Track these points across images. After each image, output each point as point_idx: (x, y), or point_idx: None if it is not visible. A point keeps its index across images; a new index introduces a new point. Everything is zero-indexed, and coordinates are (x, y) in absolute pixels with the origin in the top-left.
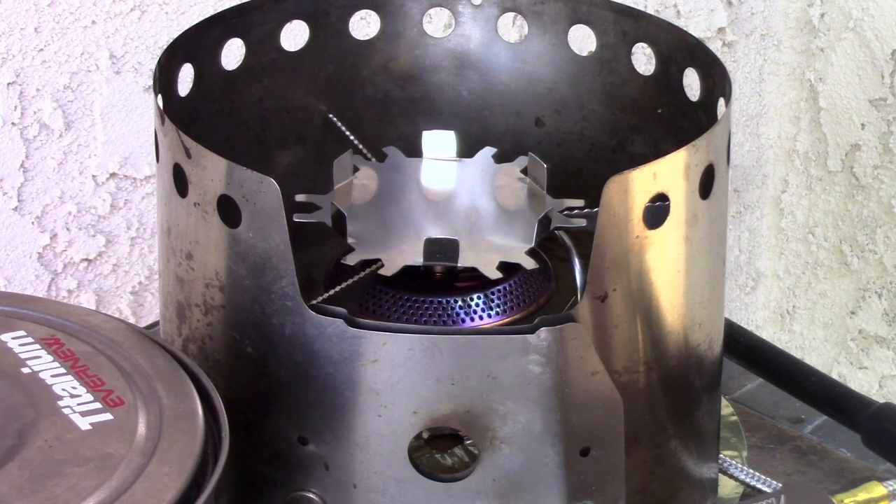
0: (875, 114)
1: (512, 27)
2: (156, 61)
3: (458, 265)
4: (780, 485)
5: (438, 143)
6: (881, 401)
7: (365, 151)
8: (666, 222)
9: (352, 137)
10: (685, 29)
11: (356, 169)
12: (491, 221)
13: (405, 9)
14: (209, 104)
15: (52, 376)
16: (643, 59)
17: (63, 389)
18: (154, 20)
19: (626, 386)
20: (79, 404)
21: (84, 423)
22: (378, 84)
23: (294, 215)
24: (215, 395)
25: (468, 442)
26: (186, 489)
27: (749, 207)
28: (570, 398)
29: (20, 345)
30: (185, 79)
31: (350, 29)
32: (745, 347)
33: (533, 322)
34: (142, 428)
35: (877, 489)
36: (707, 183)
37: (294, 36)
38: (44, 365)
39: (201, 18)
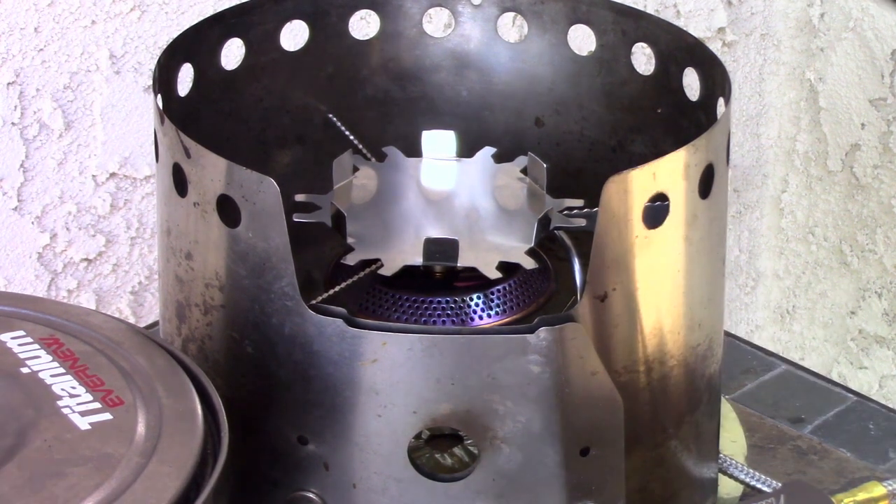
0: (875, 114)
1: (512, 27)
2: (156, 61)
3: (458, 265)
4: (780, 485)
5: (438, 143)
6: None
7: (365, 151)
8: (666, 222)
9: (352, 137)
10: (685, 29)
11: (356, 169)
12: (491, 221)
13: (405, 9)
14: (209, 104)
15: (52, 376)
16: (643, 59)
17: (62, 389)
18: (154, 20)
19: (626, 386)
20: (78, 404)
21: (83, 423)
22: (378, 84)
23: (294, 215)
24: (215, 395)
25: (468, 442)
26: (186, 489)
27: (749, 207)
28: (570, 398)
29: (20, 345)
30: (185, 79)
31: (350, 29)
32: None
33: (533, 322)
34: (141, 428)
35: (877, 489)
36: (707, 183)
37: (294, 36)
38: (43, 365)
39: (201, 18)
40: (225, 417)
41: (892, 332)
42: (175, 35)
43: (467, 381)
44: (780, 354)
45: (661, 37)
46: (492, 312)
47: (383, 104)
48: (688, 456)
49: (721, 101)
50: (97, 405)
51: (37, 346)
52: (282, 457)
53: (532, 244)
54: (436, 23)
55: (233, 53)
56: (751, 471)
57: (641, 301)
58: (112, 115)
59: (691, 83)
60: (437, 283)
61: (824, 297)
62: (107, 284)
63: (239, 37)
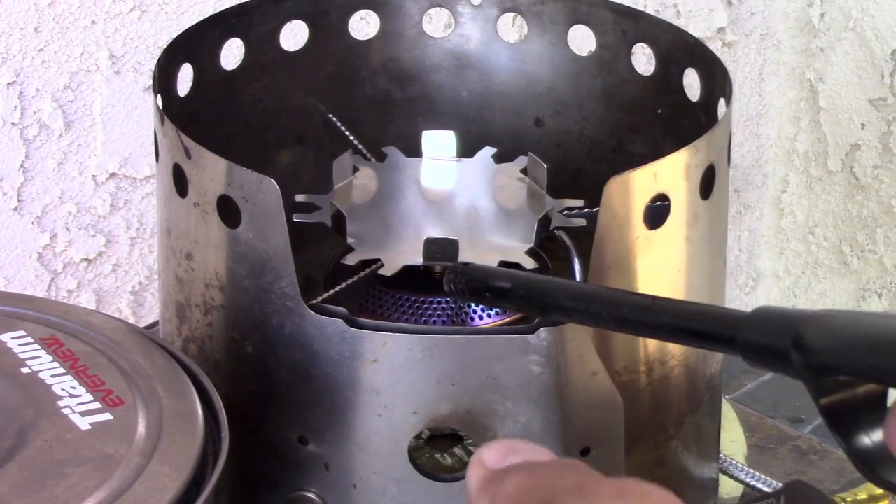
0: (875, 114)
1: (512, 27)
2: (156, 61)
3: None
4: (780, 485)
5: (438, 143)
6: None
7: (365, 151)
8: (666, 222)
9: (352, 137)
10: (685, 29)
11: (356, 169)
12: (491, 221)
13: (405, 9)
14: (209, 104)
15: (52, 376)
16: (643, 60)
17: (63, 389)
18: (154, 20)
19: (626, 386)
20: (78, 404)
21: (84, 424)
22: (378, 84)
23: (294, 215)
24: (215, 395)
25: (468, 442)
26: (186, 489)
27: (749, 207)
28: (570, 398)
29: (20, 345)
30: (185, 79)
31: (350, 29)
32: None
33: (533, 322)
34: (142, 428)
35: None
36: (707, 183)
37: (294, 36)
38: (43, 365)
39: (201, 18)
40: (225, 417)
41: None
42: (175, 35)
43: (467, 382)
44: None
45: (661, 37)
46: (492, 312)
47: (383, 104)
48: (688, 456)
49: (721, 101)
50: (97, 405)
51: (37, 346)
52: (282, 457)
53: (532, 244)
54: (436, 23)
55: (233, 53)
56: (751, 471)
57: None
58: (112, 115)
59: (691, 83)
60: (438, 283)
61: (824, 297)
62: (107, 284)
63: (239, 37)
